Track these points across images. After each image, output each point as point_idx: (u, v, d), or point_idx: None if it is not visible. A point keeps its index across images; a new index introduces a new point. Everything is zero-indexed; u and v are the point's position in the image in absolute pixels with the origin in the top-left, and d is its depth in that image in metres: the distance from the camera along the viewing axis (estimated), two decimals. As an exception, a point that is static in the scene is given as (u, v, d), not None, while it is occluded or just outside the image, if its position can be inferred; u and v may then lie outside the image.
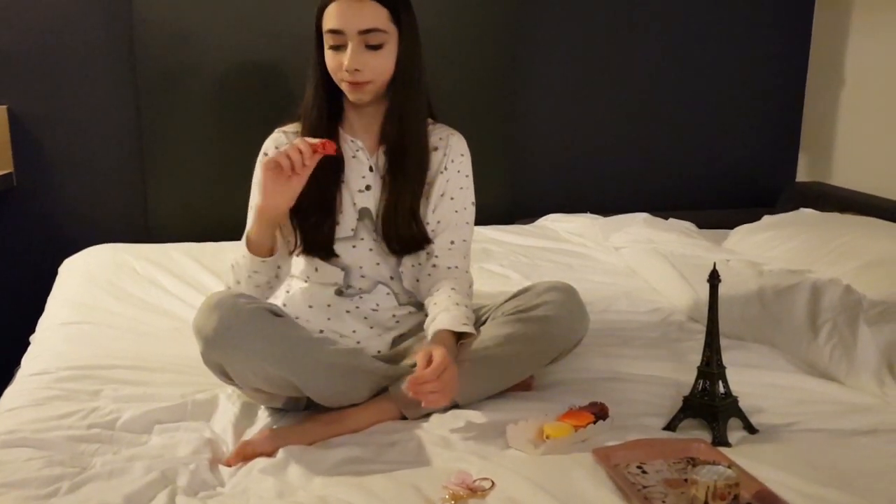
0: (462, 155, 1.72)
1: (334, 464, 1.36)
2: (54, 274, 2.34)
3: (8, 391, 1.65)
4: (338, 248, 1.65)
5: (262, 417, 1.54)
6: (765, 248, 2.48)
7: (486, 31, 2.87)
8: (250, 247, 1.56)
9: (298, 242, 1.65)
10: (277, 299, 1.75)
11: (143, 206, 2.80)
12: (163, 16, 2.65)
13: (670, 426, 1.48)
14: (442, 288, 1.61)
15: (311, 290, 1.68)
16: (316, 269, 1.68)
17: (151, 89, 2.70)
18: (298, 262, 1.70)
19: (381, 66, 1.57)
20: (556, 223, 2.86)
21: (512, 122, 2.98)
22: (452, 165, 1.70)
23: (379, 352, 1.65)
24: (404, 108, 1.63)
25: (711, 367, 1.47)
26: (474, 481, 1.25)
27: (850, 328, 1.74)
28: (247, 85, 2.74)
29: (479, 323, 1.66)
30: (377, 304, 1.67)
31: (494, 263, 2.42)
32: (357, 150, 1.67)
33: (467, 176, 1.73)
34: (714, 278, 1.46)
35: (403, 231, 1.63)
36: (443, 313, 1.54)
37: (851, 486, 1.23)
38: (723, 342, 1.50)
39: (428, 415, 1.50)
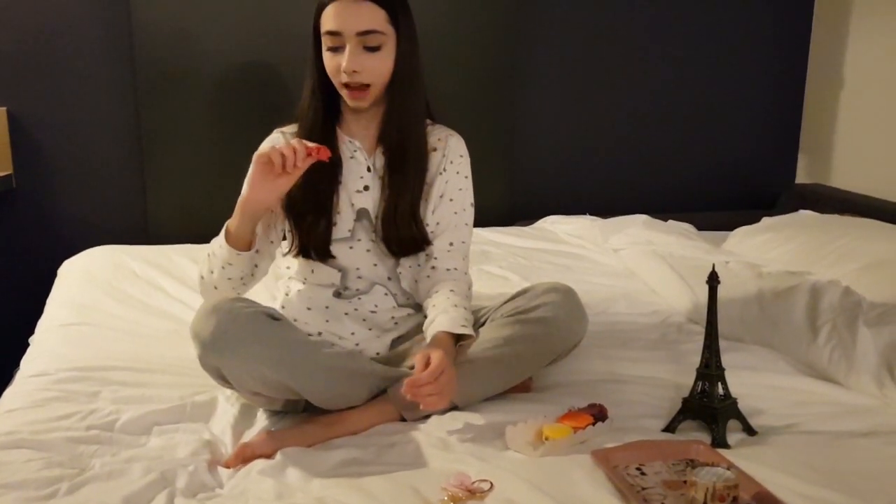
0: (461, 156, 1.71)
1: (333, 465, 1.36)
2: (53, 275, 2.34)
3: (7, 392, 1.65)
4: (335, 249, 1.64)
5: (261, 419, 1.54)
6: (764, 250, 2.48)
7: (486, 32, 2.87)
8: (228, 238, 1.54)
9: (295, 243, 1.64)
10: (276, 301, 1.76)
11: (142, 208, 2.80)
12: (162, 18, 2.65)
13: (669, 428, 1.48)
14: (441, 290, 1.61)
15: (309, 291, 1.68)
16: (312, 271, 1.67)
17: (151, 91, 2.70)
18: (295, 264, 1.70)
19: (380, 67, 1.57)
20: (555, 225, 2.86)
21: (511, 123, 2.99)
22: (451, 167, 1.69)
23: (378, 353, 1.65)
24: (403, 109, 1.62)
25: (711, 368, 1.47)
26: (473, 483, 1.24)
27: (849, 330, 1.74)
28: (246, 86, 2.74)
29: (478, 324, 1.66)
30: (376, 306, 1.66)
31: (493, 265, 2.42)
32: (355, 151, 1.66)
33: (466, 177, 1.72)
34: (713, 280, 1.46)
35: (404, 232, 1.63)
36: (441, 315, 1.54)
37: (850, 488, 1.23)
38: (722, 344, 1.50)
39: (427, 416, 1.50)
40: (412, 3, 1.62)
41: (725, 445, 1.41)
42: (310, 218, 1.62)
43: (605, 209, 2.96)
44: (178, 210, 2.78)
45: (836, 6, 3.01)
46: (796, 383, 1.67)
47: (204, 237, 2.55)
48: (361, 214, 1.65)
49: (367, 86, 1.57)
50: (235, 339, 1.39)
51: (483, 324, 1.65)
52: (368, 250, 1.66)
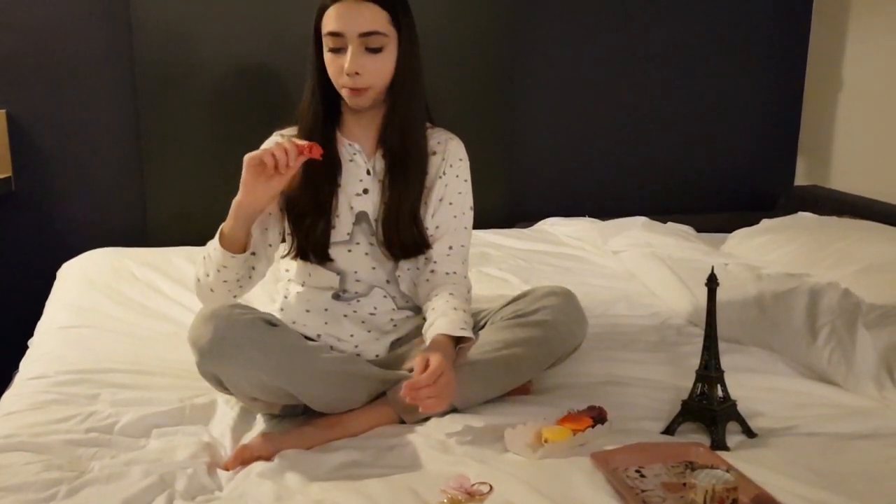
0: (461, 160, 1.71)
1: (332, 468, 1.36)
2: (53, 278, 2.34)
3: (6, 395, 1.65)
4: (333, 252, 1.63)
5: (261, 421, 1.54)
6: (763, 252, 2.48)
7: (486, 34, 2.87)
8: (223, 241, 1.53)
9: (293, 245, 1.64)
10: (275, 303, 1.76)
11: (141, 210, 2.80)
12: (161, 20, 2.65)
13: (669, 430, 1.48)
14: (440, 293, 1.61)
15: (308, 294, 1.67)
16: (310, 274, 1.67)
17: (150, 93, 2.70)
18: (294, 266, 1.69)
19: (381, 69, 1.57)
20: (554, 227, 2.86)
21: (511, 125, 2.99)
22: (451, 170, 1.69)
23: (377, 356, 1.65)
24: (403, 111, 1.62)
25: (710, 370, 1.47)
26: (472, 485, 1.24)
27: (848, 332, 1.74)
28: (246, 89, 2.75)
29: (477, 327, 1.65)
30: (375, 308, 1.66)
31: (493, 267, 2.42)
32: (354, 154, 1.66)
33: (466, 181, 1.72)
34: (712, 282, 1.46)
35: (405, 236, 1.62)
36: (441, 318, 1.54)
37: (850, 490, 1.23)
38: (721, 346, 1.50)
39: (426, 419, 1.50)
40: (412, 4, 1.62)
41: (725, 448, 1.41)
42: (309, 220, 1.61)
43: (605, 211, 2.96)
44: (177, 212, 2.78)
45: (835, 8, 3.01)
46: (796, 385, 1.67)
47: (203, 240, 2.54)
48: (360, 218, 1.64)
49: (368, 87, 1.57)
50: (233, 345, 1.39)
51: (482, 326, 1.65)
52: (367, 253, 1.65)
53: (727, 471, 1.22)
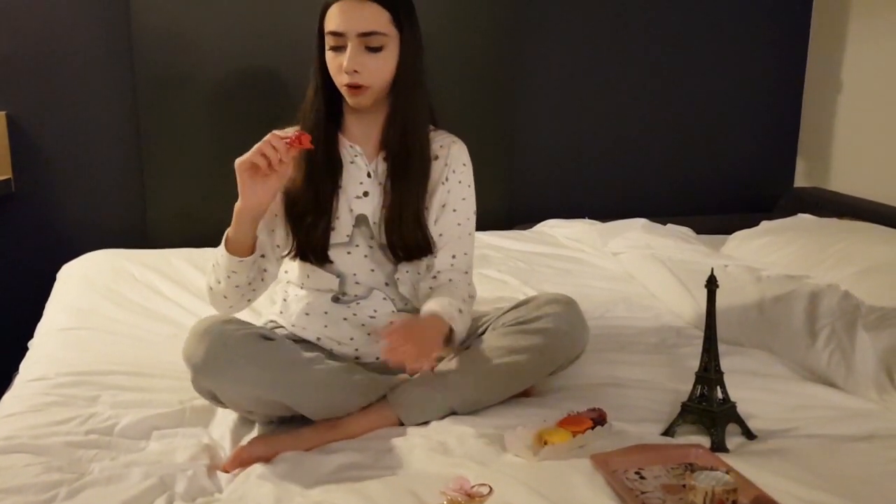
0: (464, 165, 1.69)
1: (332, 469, 1.36)
2: (53, 279, 2.34)
3: (6, 397, 1.65)
4: (332, 254, 1.63)
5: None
6: (763, 254, 2.49)
7: (486, 37, 2.87)
8: (229, 246, 1.53)
9: (293, 246, 1.63)
10: (275, 305, 1.75)
11: (141, 212, 2.80)
12: (161, 22, 2.66)
13: (669, 432, 1.48)
14: (439, 296, 1.60)
15: (308, 297, 1.67)
16: (308, 276, 1.66)
17: (150, 95, 2.70)
18: (294, 268, 1.69)
19: (380, 68, 1.56)
20: (554, 229, 2.86)
21: (510, 127, 2.99)
22: (454, 176, 1.67)
23: (377, 358, 1.64)
24: (405, 113, 1.60)
25: (710, 372, 1.47)
26: (472, 487, 1.24)
27: (848, 334, 1.74)
28: (245, 91, 2.75)
29: (477, 332, 1.64)
30: (375, 311, 1.65)
31: (493, 269, 2.42)
32: (355, 156, 1.65)
33: (469, 186, 1.70)
34: (712, 284, 1.46)
35: (409, 238, 1.61)
36: (435, 304, 1.54)
37: (850, 492, 1.23)
38: (721, 348, 1.50)
39: (426, 421, 1.50)
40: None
41: (724, 449, 1.41)
42: (309, 220, 1.60)
43: (604, 213, 2.96)
44: (177, 214, 2.78)
45: (835, 10, 3.02)
46: (795, 387, 1.67)
47: (203, 241, 2.58)
48: (360, 220, 1.64)
49: (367, 84, 1.55)
50: (227, 362, 1.39)
51: (483, 332, 1.64)
52: (366, 256, 1.65)
53: (727, 472, 1.22)
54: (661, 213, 2.98)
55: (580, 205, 3.05)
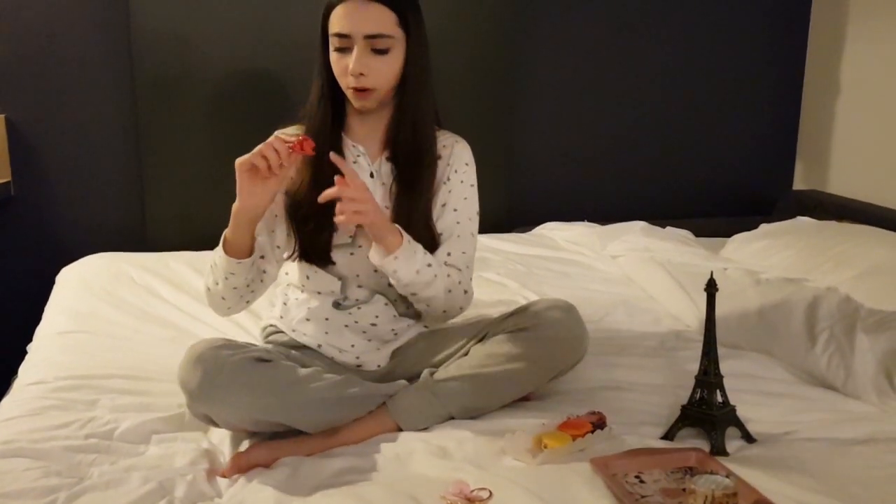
0: (466, 164, 1.68)
1: (331, 474, 1.36)
2: (51, 283, 2.34)
3: (5, 401, 1.65)
4: (335, 255, 1.62)
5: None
6: (762, 257, 2.49)
7: (485, 39, 2.87)
8: (227, 248, 1.51)
9: (295, 248, 1.62)
10: (274, 307, 1.75)
11: (140, 215, 2.80)
12: (160, 24, 2.66)
13: (668, 435, 1.48)
14: None
15: (308, 302, 1.66)
16: (308, 277, 1.65)
17: (149, 98, 2.70)
18: (294, 269, 1.68)
19: (387, 70, 1.54)
20: (553, 231, 2.86)
21: (509, 130, 2.99)
22: (455, 176, 1.66)
23: (379, 366, 1.64)
24: (410, 114, 1.59)
25: (709, 376, 1.47)
26: (472, 491, 1.24)
27: (847, 337, 1.74)
28: (245, 93, 2.75)
29: (477, 337, 1.63)
30: (376, 317, 1.65)
31: (492, 272, 2.42)
32: (358, 156, 1.63)
33: (472, 185, 1.69)
34: (711, 287, 1.46)
35: (418, 240, 1.57)
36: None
37: (849, 495, 1.23)
38: (720, 351, 1.50)
39: (425, 427, 1.50)
40: (413, 8, 1.61)
41: (724, 453, 1.41)
42: (312, 223, 1.59)
43: (603, 216, 2.96)
44: (176, 217, 2.78)
45: (834, 13, 3.02)
46: (795, 390, 1.67)
47: (203, 244, 2.57)
48: None
49: (373, 89, 1.54)
50: (223, 389, 1.38)
51: (483, 338, 1.62)
52: (369, 257, 1.63)
53: (727, 476, 1.21)
54: (660, 215, 2.99)
55: (579, 208, 3.05)
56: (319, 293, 1.66)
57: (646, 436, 1.47)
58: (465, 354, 1.60)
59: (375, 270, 1.62)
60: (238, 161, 1.44)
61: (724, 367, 1.51)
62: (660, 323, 2.06)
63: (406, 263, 1.52)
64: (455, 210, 1.66)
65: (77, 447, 1.42)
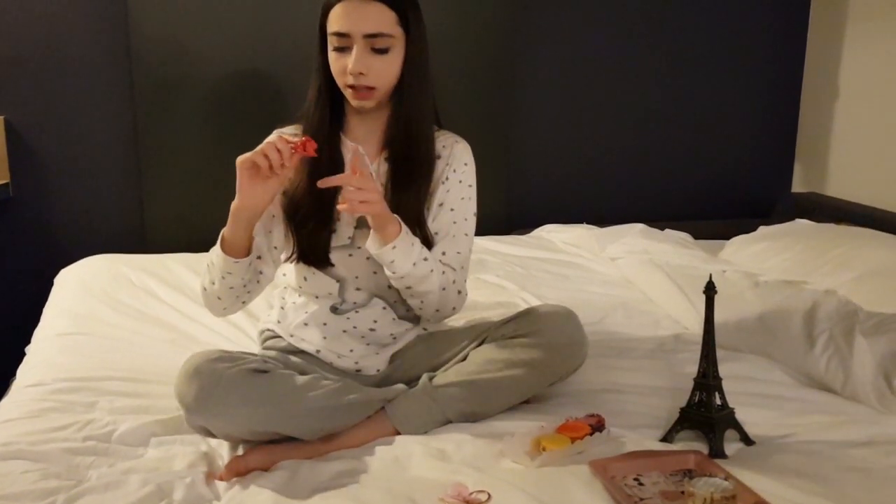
0: (466, 164, 1.67)
1: (330, 477, 1.35)
2: (50, 284, 2.34)
3: (3, 402, 1.65)
4: (333, 256, 1.61)
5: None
6: (761, 259, 2.49)
7: (484, 40, 2.88)
8: (224, 247, 1.50)
9: (294, 249, 1.61)
10: (273, 310, 1.74)
11: (139, 217, 2.80)
12: (160, 27, 2.66)
13: (667, 438, 1.48)
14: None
15: (307, 305, 1.65)
16: (305, 278, 1.64)
17: (148, 100, 2.70)
18: (291, 270, 1.67)
19: (387, 70, 1.53)
20: (552, 234, 2.86)
21: (508, 132, 2.99)
22: (454, 175, 1.65)
23: (378, 371, 1.64)
24: (410, 113, 1.58)
25: (708, 378, 1.47)
26: (471, 494, 1.24)
27: (846, 339, 1.74)
28: (243, 95, 2.75)
29: (476, 340, 1.63)
30: (375, 322, 1.64)
31: (490, 274, 2.42)
32: (350, 148, 1.62)
33: (470, 186, 1.68)
34: (710, 290, 1.46)
35: None
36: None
37: (848, 498, 1.23)
38: (719, 353, 1.50)
39: (424, 432, 1.49)
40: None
41: (723, 455, 1.41)
42: (310, 225, 1.58)
43: (602, 218, 2.96)
44: (175, 218, 2.78)
45: (832, 15, 3.02)
46: (793, 393, 1.67)
47: (202, 245, 2.56)
48: (362, 222, 1.59)
49: (373, 88, 1.54)
50: (219, 402, 1.37)
51: (482, 343, 1.62)
52: (368, 258, 1.60)
53: (725, 479, 1.22)
54: (658, 217, 2.99)
55: (578, 210, 3.05)
56: (317, 297, 1.65)
57: (644, 438, 1.47)
58: (464, 359, 1.60)
59: (375, 272, 1.63)
60: (239, 159, 1.43)
61: (723, 369, 1.51)
62: (659, 325, 2.06)
63: (403, 254, 1.51)
64: (452, 210, 1.65)
65: (76, 449, 1.42)
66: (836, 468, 1.35)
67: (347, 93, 1.56)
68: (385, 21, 1.51)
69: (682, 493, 1.24)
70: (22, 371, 1.82)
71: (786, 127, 3.22)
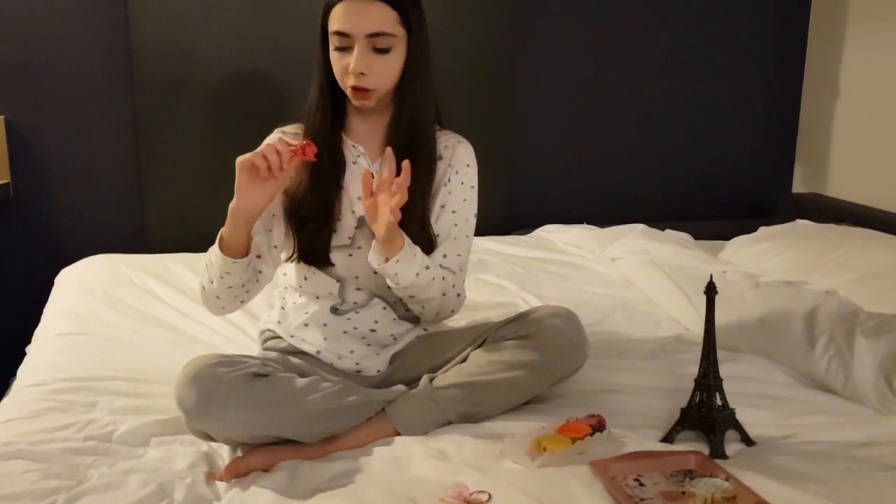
0: (468, 165, 1.67)
1: (330, 477, 1.35)
2: (51, 284, 2.34)
3: (4, 402, 1.64)
4: (334, 256, 1.60)
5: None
6: (761, 260, 2.49)
7: (484, 41, 2.88)
8: (223, 246, 1.49)
9: (294, 249, 1.61)
10: (273, 310, 1.74)
11: (139, 217, 2.80)
12: (160, 27, 2.66)
13: (668, 438, 1.48)
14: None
15: (307, 306, 1.65)
16: (306, 278, 1.63)
17: (148, 100, 2.70)
18: (291, 270, 1.66)
19: (388, 70, 1.53)
20: (552, 234, 2.86)
21: (509, 133, 2.99)
22: (456, 177, 1.65)
23: (378, 371, 1.64)
24: (411, 113, 1.58)
25: (708, 378, 1.47)
26: (471, 494, 1.24)
27: (846, 340, 1.74)
28: (243, 96, 2.75)
29: (476, 342, 1.62)
30: (375, 322, 1.64)
31: (491, 274, 2.42)
32: (358, 156, 1.62)
33: (472, 187, 1.67)
34: (711, 290, 1.46)
35: (415, 240, 1.56)
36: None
37: (848, 498, 1.23)
38: (720, 354, 1.50)
39: (424, 433, 1.49)
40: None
41: (724, 456, 1.41)
42: (311, 224, 1.58)
43: (603, 218, 2.96)
44: (175, 218, 2.78)
45: (832, 15, 3.02)
46: (794, 393, 1.67)
47: (202, 246, 2.55)
48: (363, 222, 1.60)
49: (374, 89, 1.53)
50: (219, 407, 1.37)
51: (482, 344, 1.61)
52: (368, 258, 1.61)
53: (726, 479, 1.22)
54: (659, 218, 2.99)
55: (578, 210, 3.05)
56: (318, 297, 1.65)
57: (645, 438, 1.47)
58: (465, 360, 1.59)
59: (375, 272, 1.61)
60: (239, 159, 1.43)
61: (724, 369, 1.51)
62: (659, 326, 2.06)
63: (406, 267, 1.51)
64: (453, 212, 1.65)
65: (76, 449, 1.42)
66: (836, 469, 1.35)
67: (349, 92, 1.55)
68: (387, 21, 1.50)
69: (683, 493, 1.24)
70: (22, 371, 1.82)
71: (786, 127, 3.22)
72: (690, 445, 1.44)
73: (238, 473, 1.38)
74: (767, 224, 2.82)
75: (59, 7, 2.65)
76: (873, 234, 2.45)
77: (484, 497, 1.24)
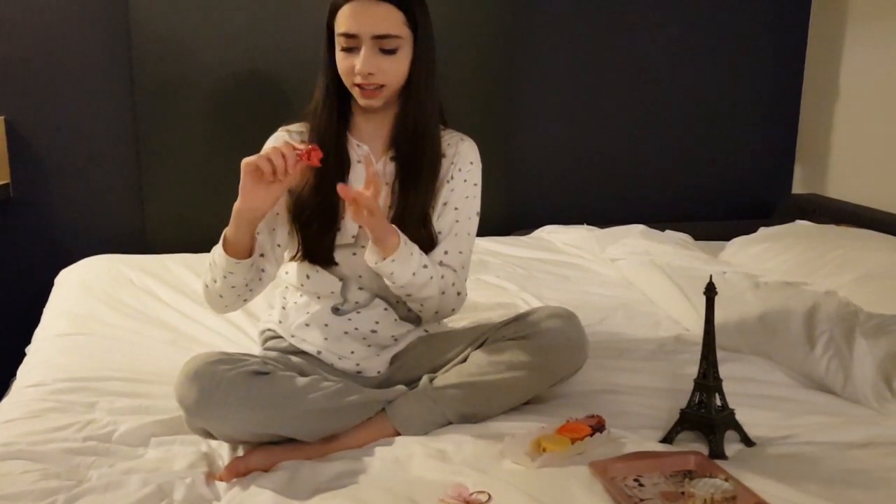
0: (471, 163, 1.67)
1: (330, 477, 1.36)
2: (51, 285, 2.34)
3: (4, 403, 1.64)
4: (337, 255, 1.60)
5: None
6: (761, 260, 2.49)
7: (485, 41, 2.88)
8: (226, 246, 1.49)
9: (298, 248, 1.61)
10: (273, 310, 1.74)
11: (139, 217, 2.80)
12: (160, 27, 2.66)
13: (667, 439, 1.48)
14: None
15: (308, 306, 1.65)
16: (308, 277, 1.63)
17: (148, 100, 2.70)
18: (293, 268, 1.66)
19: (395, 70, 1.53)
20: (552, 234, 2.86)
21: (509, 133, 2.99)
22: (459, 175, 1.65)
23: (378, 372, 1.64)
24: (416, 113, 1.58)
25: (708, 379, 1.47)
26: (471, 494, 1.24)
27: (846, 340, 1.74)
28: (244, 96, 2.75)
29: (477, 343, 1.62)
30: (376, 323, 1.64)
31: (491, 274, 2.42)
32: (362, 155, 1.61)
33: (475, 185, 1.68)
34: (710, 291, 1.46)
35: (416, 237, 1.57)
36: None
37: (848, 499, 1.23)
38: (719, 354, 1.50)
39: (424, 433, 1.49)
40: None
41: (723, 456, 1.41)
42: (315, 225, 1.58)
43: (603, 219, 2.96)
44: (175, 219, 2.78)
45: (832, 16, 3.02)
46: (794, 394, 1.67)
47: (202, 246, 2.56)
48: None
49: (381, 86, 1.54)
50: (220, 405, 1.37)
51: (482, 344, 1.61)
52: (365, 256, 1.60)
53: (726, 480, 1.22)
54: (659, 219, 2.99)
55: (579, 211, 3.05)
56: (319, 297, 1.65)
57: (645, 439, 1.47)
58: (465, 360, 1.59)
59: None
60: (244, 161, 1.43)
61: (723, 370, 1.51)
62: (659, 326, 2.06)
63: (402, 266, 1.52)
64: (456, 209, 1.65)
65: (76, 450, 1.42)
66: (836, 469, 1.35)
67: (355, 92, 1.56)
68: (393, 22, 1.51)
69: (683, 493, 1.24)
70: (22, 371, 1.82)
71: (786, 128, 3.22)
72: (690, 446, 1.44)
73: (238, 473, 1.38)
74: (767, 224, 2.82)
75: (59, 7, 2.65)
76: (873, 235, 2.46)
77: (484, 497, 1.24)
